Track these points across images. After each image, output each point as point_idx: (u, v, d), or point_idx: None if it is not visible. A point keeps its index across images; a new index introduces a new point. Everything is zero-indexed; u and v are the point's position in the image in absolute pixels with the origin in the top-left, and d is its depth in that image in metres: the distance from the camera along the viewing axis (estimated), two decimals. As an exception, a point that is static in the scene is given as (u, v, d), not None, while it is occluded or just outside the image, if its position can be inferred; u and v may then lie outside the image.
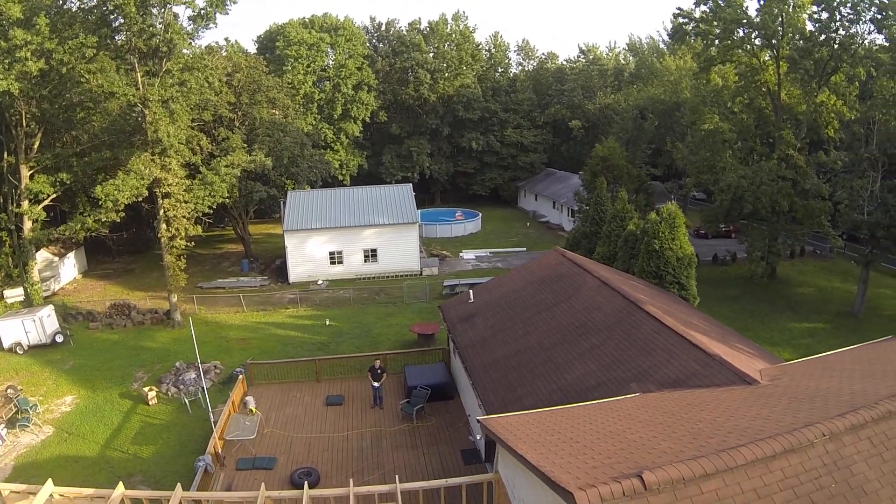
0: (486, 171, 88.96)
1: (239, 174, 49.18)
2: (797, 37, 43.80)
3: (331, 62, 79.80)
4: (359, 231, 54.36)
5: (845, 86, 43.72)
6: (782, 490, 9.13)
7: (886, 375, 13.90)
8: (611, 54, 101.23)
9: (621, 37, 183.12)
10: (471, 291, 30.98)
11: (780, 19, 43.19)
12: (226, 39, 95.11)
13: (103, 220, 41.49)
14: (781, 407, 12.21)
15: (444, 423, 26.16)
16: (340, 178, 78.29)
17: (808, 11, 43.29)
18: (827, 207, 43.45)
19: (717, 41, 47.61)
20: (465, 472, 20.63)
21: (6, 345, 37.91)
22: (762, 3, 43.52)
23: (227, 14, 44.81)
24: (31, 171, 42.68)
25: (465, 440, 24.43)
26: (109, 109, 45.30)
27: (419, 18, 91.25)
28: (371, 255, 54.99)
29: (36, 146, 43.12)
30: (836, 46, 41.98)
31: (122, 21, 37.51)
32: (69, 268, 54.92)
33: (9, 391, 31.17)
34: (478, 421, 15.79)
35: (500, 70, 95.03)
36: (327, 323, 42.44)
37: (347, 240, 54.33)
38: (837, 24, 41.46)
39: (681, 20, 48.94)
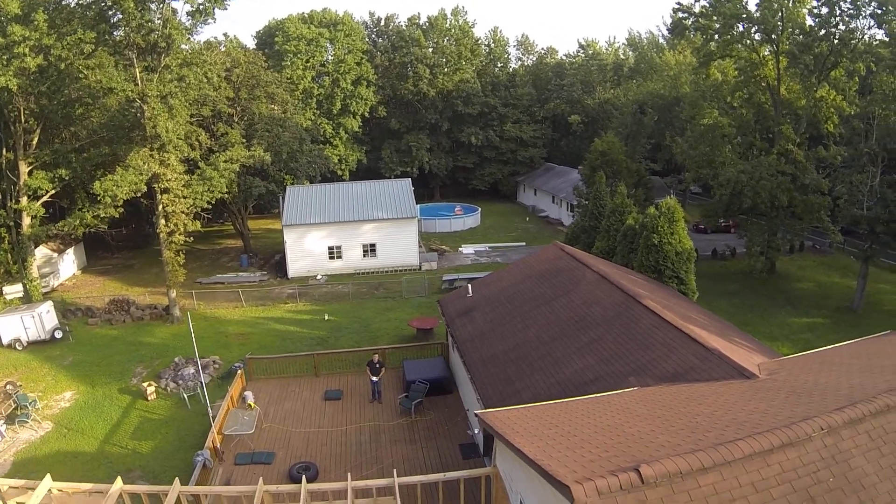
0: (486, 165, 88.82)
1: (238, 169, 49.10)
2: (797, 31, 43.67)
3: (330, 57, 79.62)
4: (358, 226, 54.32)
5: (845, 81, 43.60)
6: (780, 484, 9.14)
7: (885, 370, 13.91)
8: (610, 49, 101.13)
9: (621, 32, 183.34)
10: (469, 286, 30.98)
11: (779, 14, 43.09)
12: (224, 35, 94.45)
13: (102, 215, 41.41)
14: (780, 401, 12.21)
15: (442, 418, 26.18)
16: (340, 173, 78.22)
17: (807, 6, 43.24)
18: (826, 202, 43.37)
19: (716, 36, 47.46)
20: (463, 467, 20.66)
21: (5, 341, 37.86)
22: (762, -3, 43.48)
23: (226, 9, 44.74)
24: (29, 168, 42.63)
25: (463, 434, 24.44)
26: (108, 105, 45.19)
27: (418, 13, 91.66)
28: (370, 249, 54.96)
29: (35, 142, 43.05)
30: (835, 41, 41.89)
31: (120, 17, 37.42)
32: (68, 264, 54.87)
33: (8, 387, 31.12)
34: (475, 415, 15.79)
35: (499, 65, 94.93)
36: (326, 318, 42.43)
37: (346, 235, 54.30)
38: (837, 18, 41.34)
39: (680, 15, 48.78)
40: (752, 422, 10.72)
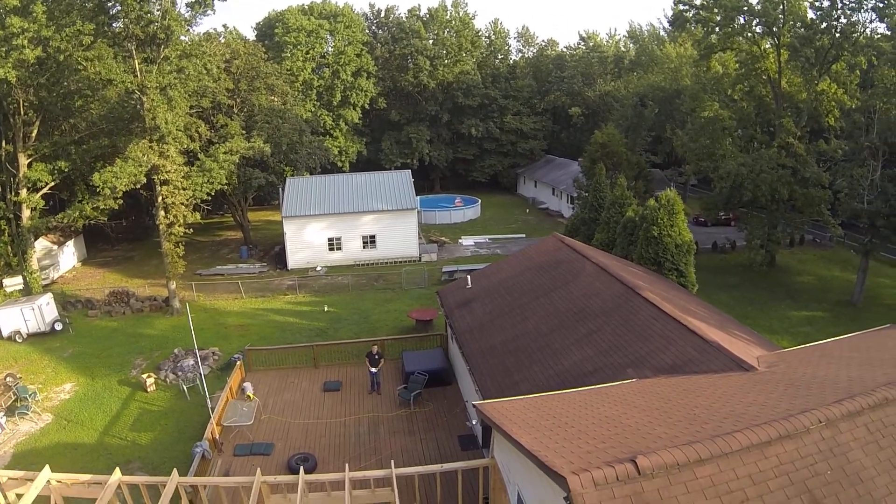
0: (486, 157, 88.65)
1: (237, 161, 48.96)
2: (798, 24, 43.55)
3: (330, 49, 79.40)
4: (357, 217, 54.28)
5: (846, 74, 43.50)
6: (777, 476, 9.13)
7: (884, 363, 13.89)
8: (611, 41, 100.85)
9: (621, 24, 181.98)
10: (468, 277, 30.97)
11: (780, 6, 42.90)
12: (224, 26, 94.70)
13: (101, 207, 41.39)
14: (778, 393, 12.20)
15: (441, 409, 26.22)
16: (339, 164, 78.08)
17: (809, -1, 43.13)
18: (827, 196, 43.33)
19: (717, 28, 47.29)
20: (462, 458, 20.69)
21: (5, 333, 37.90)
22: (763, -11, 43.29)
23: (225, 0, 44.53)
24: (29, 160, 42.53)
25: (462, 426, 24.47)
26: (107, 97, 45.03)
27: (418, 5, 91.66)
28: (370, 241, 54.93)
29: (34, 134, 42.93)
30: (837, 34, 41.75)
31: (119, 8, 37.31)
32: (68, 256, 54.83)
33: (8, 379, 31.19)
34: (473, 406, 15.79)
35: (499, 57, 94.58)
36: (326, 309, 42.44)
37: (346, 226, 54.27)
38: (839, 11, 41.21)
39: (681, 7, 48.60)
40: (750, 414, 10.72)
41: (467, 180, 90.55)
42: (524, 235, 62.23)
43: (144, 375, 31.50)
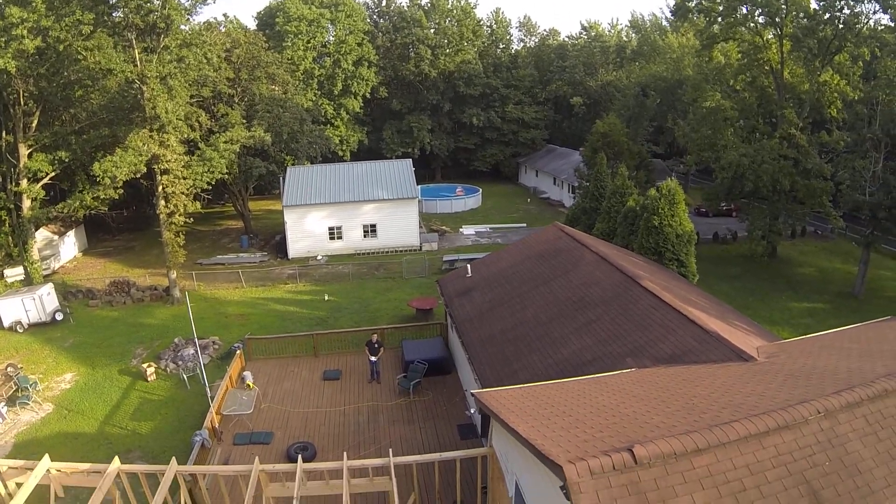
0: (487, 147, 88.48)
1: (238, 150, 48.92)
2: (801, 15, 43.29)
3: (331, 38, 79.07)
4: (358, 206, 54.23)
5: (849, 65, 43.32)
6: (775, 467, 9.10)
7: (884, 355, 13.83)
8: (613, 31, 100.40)
9: (624, 13, 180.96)
10: (468, 266, 30.93)
11: (783, -4, 42.75)
12: (224, 15, 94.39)
13: (102, 197, 41.37)
14: (777, 384, 12.16)
15: (440, 398, 26.25)
16: (341, 153, 77.91)
17: (811, -11, 42.89)
18: (828, 187, 43.22)
19: (719, 18, 47.10)
20: (461, 447, 20.69)
21: (6, 323, 37.94)
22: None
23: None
24: (29, 150, 42.46)
25: (461, 415, 24.49)
26: (107, 87, 44.85)
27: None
28: (370, 230, 54.91)
29: (34, 124, 42.86)
30: (840, 25, 41.54)
31: (118, -3, 37.21)
32: (69, 246, 54.83)
33: (9, 369, 31.25)
34: (472, 394, 15.78)
35: (501, 46, 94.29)
36: (326, 298, 42.46)
37: (347, 215, 54.23)
38: (842, 2, 41.01)
39: (683, -4, 48.46)
40: (749, 404, 10.68)
41: (468, 170, 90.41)
42: (525, 225, 62.17)
43: (145, 365, 31.54)
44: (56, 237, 51.75)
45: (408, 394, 26.52)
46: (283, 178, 55.88)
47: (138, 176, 40.63)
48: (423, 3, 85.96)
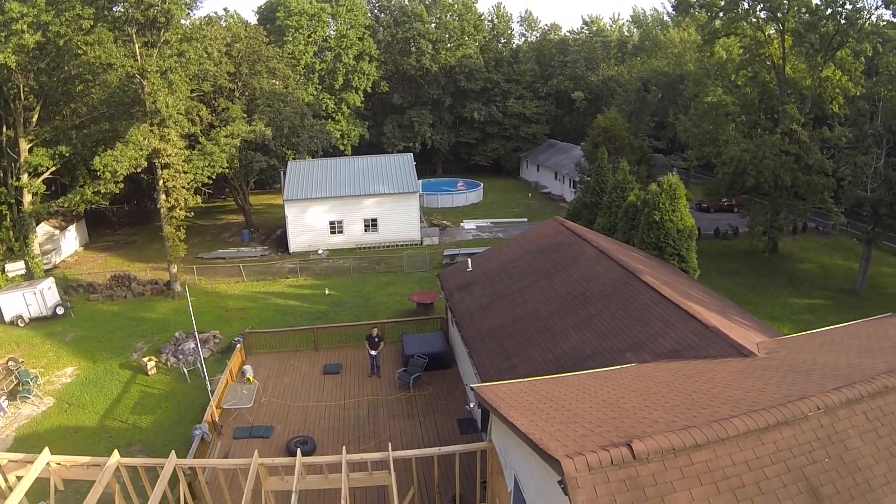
0: (488, 141, 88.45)
1: (239, 144, 48.95)
2: (803, 10, 43.10)
3: (332, 32, 78.92)
4: (359, 200, 54.21)
5: (851, 61, 43.16)
6: (774, 463, 9.08)
7: (884, 351, 13.80)
8: (614, 26, 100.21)
9: (625, 8, 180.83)
10: (469, 260, 30.90)
11: (785, -9, 42.61)
12: (225, 10, 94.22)
13: (103, 191, 41.35)
14: (777, 379, 12.15)
15: (440, 392, 26.24)
16: (342, 148, 77.84)
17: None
18: (830, 183, 43.13)
19: (721, 13, 46.93)
20: (461, 441, 20.67)
21: (7, 318, 37.94)
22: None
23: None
24: (30, 145, 42.42)
25: (461, 409, 24.47)
26: (108, 81, 44.82)
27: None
28: (371, 224, 54.90)
29: (35, 119, 42.82)
30: (842, 21, 41.39)
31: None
32: (70, 241, 54.85)
33: (10, 363, 31.25)
34: (471, 388, 15.77)
35: (502, 41, 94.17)
36: (327, 292, 42.45)
37: (348, 209, 54.20)
38: (844, -2, 40.93)
39: (685, -10, 48.29)
40: (749, 399, 10.66)
41: (469, 164, 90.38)
42: (526, 219, 62.10)
43: (145, 359, 31.56)
44: (57, 232, 51.77)
45: (408, 388, 26.52)
46: (284, 173, 55.82)
47: (139, 170, 40.57)
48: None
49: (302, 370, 29.15)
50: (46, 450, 15.92)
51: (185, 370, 30.65)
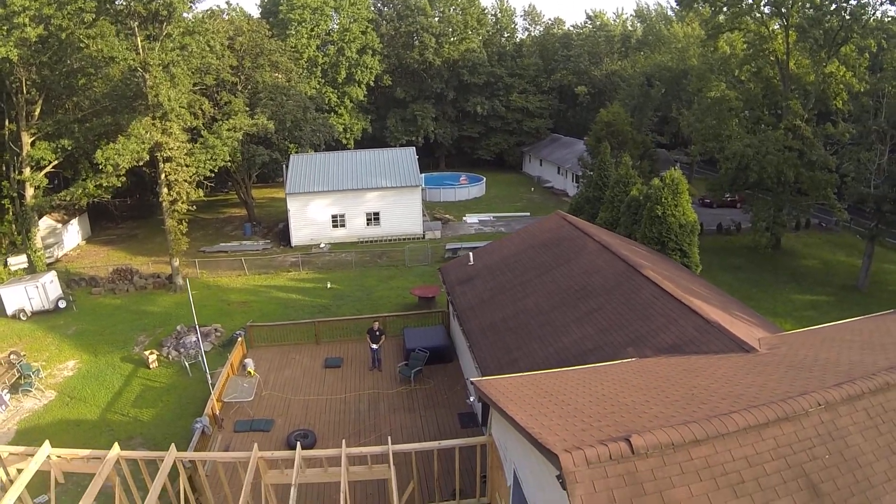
0: (491, 135, 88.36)
1: (241, 138, 48.90)
2: (807, 5, 42.96)
3: (335, 26, 78.73)
4: (361, 194, 54.21)
5: (855, 57, 43.04)
6: (774, 459, 9.03)
7: (886, 348, 13.73)
8: (618, 20, 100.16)
9: (629, 3, 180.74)
10: (470, 254, 30.85)
11: (789, -14, 42.45)
12: (227, 3, 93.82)
13: (105, 185, 41.38)
14: (778, 375, 12.09)
15: (442, 386, 26.23)
16: (345, 141, 77.78)
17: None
18: (833, 180, 43.01)
19: (725, 8, 46.83)
20: (461, 435, 20.70)
21: (10, 311, 37.99)
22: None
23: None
24: (32, 138, 42.42)
25: (462, 403, 24.47)
26: (110, 75, 44.74)
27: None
28: (374, 218, 54.90)
29: (37, 113, 42.84)
30: (846, 16, 41.23)
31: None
32: (72, 234, 54.87)
33: (12, 357, 31.27)
34: (471, 382, 15.75)
35: (505, 35, 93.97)
36: (328, 286, 42.47)
37: (350, 203, 54.20)
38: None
39: (689, -15, 48.18)
40: (749, 395, 10.61)
41: (472, 158, 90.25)
42: (529, 214, 62.05)
43: (147, 352, 31.60)
44: (59, 225, 51.79)
45: (409, 382, 26.50)
46: (287, 166, 55.78)
47: (141, 164, 40.59)
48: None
49: (303, 364, 29.14)
50: (47, 443, 15.94)
51: (187, 363, 30.68)
